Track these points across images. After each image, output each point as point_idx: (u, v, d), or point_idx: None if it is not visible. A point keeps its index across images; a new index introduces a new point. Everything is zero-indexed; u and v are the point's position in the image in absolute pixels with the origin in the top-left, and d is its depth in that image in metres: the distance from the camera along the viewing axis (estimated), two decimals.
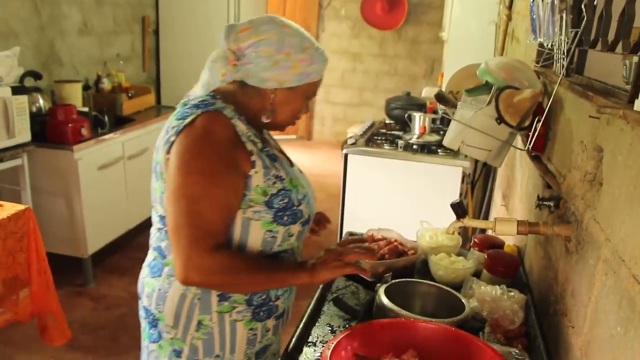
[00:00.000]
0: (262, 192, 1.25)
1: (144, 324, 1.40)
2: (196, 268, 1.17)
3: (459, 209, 1.46)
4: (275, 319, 1.39)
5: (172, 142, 1.22)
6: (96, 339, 2.86)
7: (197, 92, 1.31)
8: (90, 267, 3.36)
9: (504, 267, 1.67)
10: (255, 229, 1.27)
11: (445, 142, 1.84)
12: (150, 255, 1.39)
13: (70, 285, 3.34)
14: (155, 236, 1.36)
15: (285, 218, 1.29)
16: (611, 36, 1.29)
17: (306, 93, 1.32)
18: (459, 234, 1.94)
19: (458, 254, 1.80)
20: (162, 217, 1.30)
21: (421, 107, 3.58)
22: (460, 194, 2.98)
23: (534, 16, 1.80)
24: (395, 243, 1.82)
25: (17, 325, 2.60)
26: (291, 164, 1.42)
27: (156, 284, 1.33)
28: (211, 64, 1.27)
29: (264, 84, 1.26)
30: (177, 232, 1.18)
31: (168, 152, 1.22)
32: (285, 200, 1.28)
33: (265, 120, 1.32)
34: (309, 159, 6.43)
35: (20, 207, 2.29)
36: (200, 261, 1.17)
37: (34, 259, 2.34)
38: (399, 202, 3.10)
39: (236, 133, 1.24)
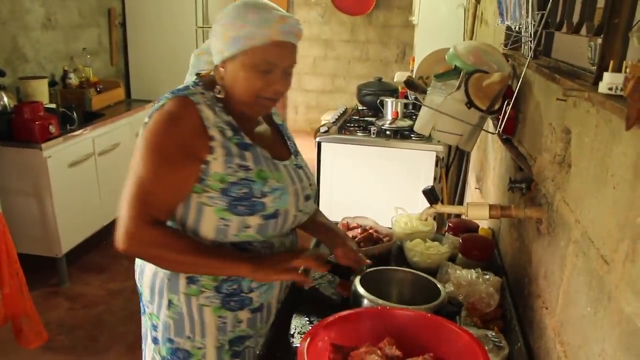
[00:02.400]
0: (220, 179, 1.26)
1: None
2: (132, 237, 1.22)
3: (431, 195, 1.47)
4: (250, 312, 1.39)
5: (146, 123, 1.28)
6: (73, 339, 2.82)
7: (187, 79, 1.40)
8: (64, 267, 3.31)
9: (478, 250, 1.68)
10: (208, 215, 1.28)
11: (416, 128, 1.84)
12: None
13: (45, 285, 3.29)
14: None
15: (241, 208, 1.27)
16: (576, 18, 1.30)
17: (253, 61, 1.24)
18: (433, 219, 1.95)
19: (433, 239, 1.81)
20: None
21: (393, 92, 3.57)
22: (435, 178, 2.99)
23: None
24: (370, 230, 1.82)
25: None
26: (281, 159, 1.38)
27: (139, 260, 1.43)
28: (197, 56, 1.37)
29: (214, 60, 1.30)
30: (124, 203, 1.25)
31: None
32: (245, 190, 1.27)
33: (218, 94, 1.31)
34: None
35: None
36: (136, 232, 1.22)
37: (5, 261, 2.30)
38: (374, 188, 3.10)
39: (200, 118, 1.26)
